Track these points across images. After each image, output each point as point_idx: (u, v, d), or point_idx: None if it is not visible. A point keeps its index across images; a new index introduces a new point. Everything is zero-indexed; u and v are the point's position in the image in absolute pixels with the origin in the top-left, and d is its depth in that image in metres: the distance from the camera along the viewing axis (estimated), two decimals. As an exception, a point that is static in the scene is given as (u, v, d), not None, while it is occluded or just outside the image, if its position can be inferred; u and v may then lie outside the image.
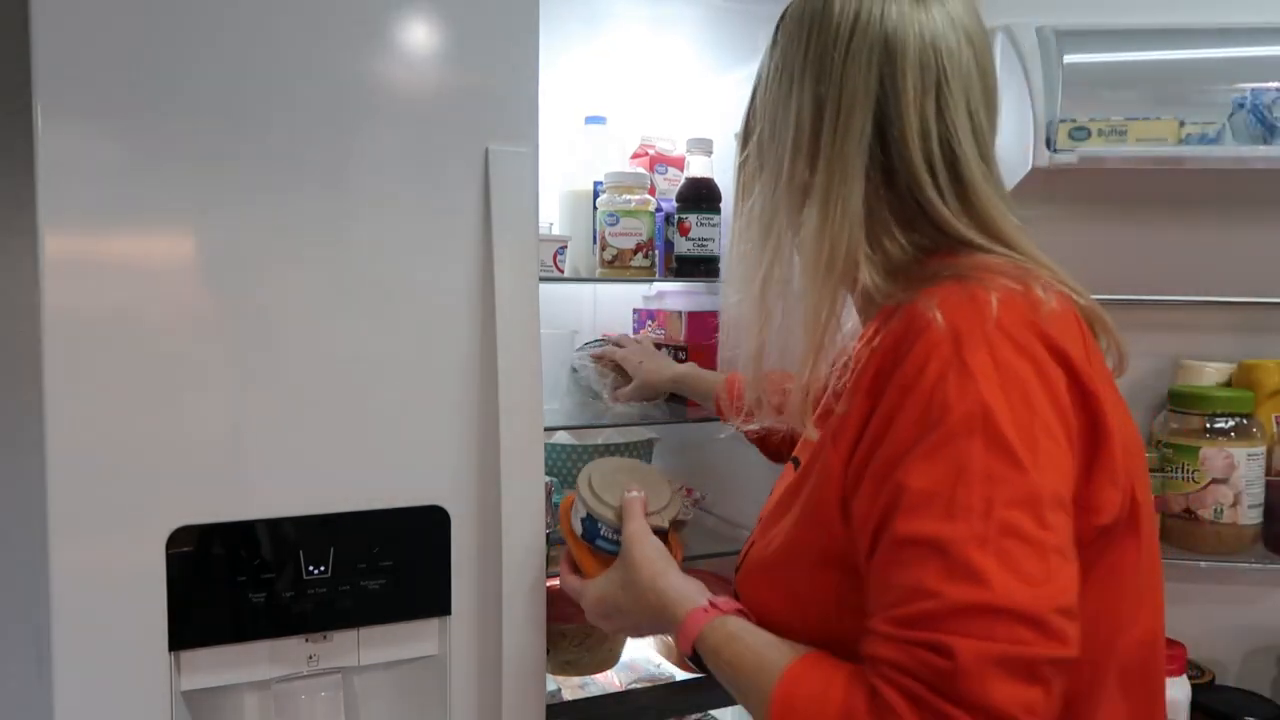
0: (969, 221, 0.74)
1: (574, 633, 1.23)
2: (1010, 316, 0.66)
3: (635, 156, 1.74)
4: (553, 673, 1.26)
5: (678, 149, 1.73)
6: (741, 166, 0.86)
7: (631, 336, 1.59)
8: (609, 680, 1.42)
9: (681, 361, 1.62)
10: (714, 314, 1.75)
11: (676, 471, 1.89)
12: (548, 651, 1.10)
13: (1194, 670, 1.43)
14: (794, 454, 0.89)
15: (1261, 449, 1.35)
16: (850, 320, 0.82)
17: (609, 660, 1.29)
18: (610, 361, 1.59)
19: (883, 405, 0.67)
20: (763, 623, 0.77)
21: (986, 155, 0.77)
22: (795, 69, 0.77)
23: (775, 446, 1.19)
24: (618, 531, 0.92)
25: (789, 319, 0.80)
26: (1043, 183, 1.27)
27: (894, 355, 0.68)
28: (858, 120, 0.73)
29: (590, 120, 1.64)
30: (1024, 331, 0.65)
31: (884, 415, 0.67)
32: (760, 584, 0.81)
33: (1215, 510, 1.33)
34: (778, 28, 0.82)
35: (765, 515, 0.86)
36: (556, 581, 1.02)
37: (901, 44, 0.73)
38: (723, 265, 0.84)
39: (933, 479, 0.62)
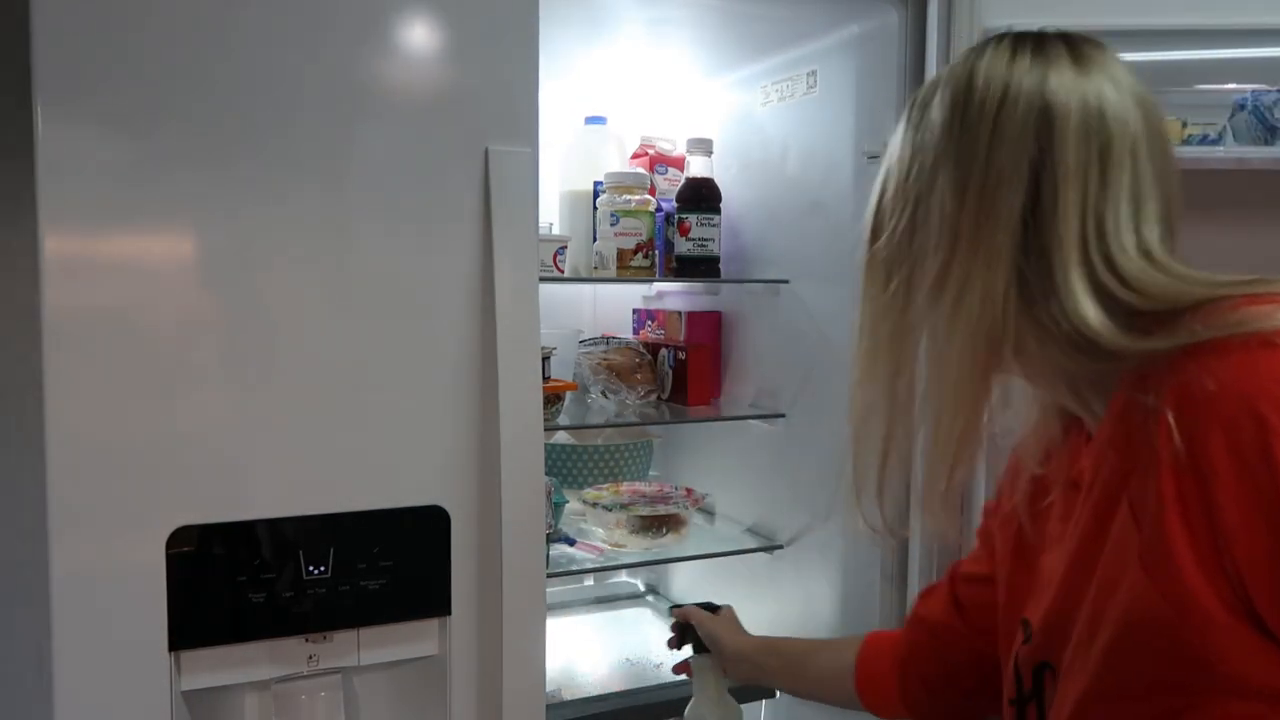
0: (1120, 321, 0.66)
1: None
2: None
3: (635, 156, 1.74)
4: None
5: (678, 149, 1.74)
6: (871, 260, 0.77)
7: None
8: (609, 680, 1.42)
9: (681, 360, 1.62)
10: (713, 314, 1.75)
11: (676, 471, 1.89)
12: None
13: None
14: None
15: (1262, 449, 1.35)
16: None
17: None
18: (607, 362, 1.59)
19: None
20: None
21: (1151, 236, 0.71)
22: (932, 153, 0.71)
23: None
24: None
25: (930, 413, 0.73)
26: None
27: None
28: (1005, 201, 0.67)
29: (590, 120, 1.64)
30: None
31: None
32: None
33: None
34: (909, 112, 0.76)
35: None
36: None
37: (1063, 112, 0.67)
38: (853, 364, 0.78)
39: None
